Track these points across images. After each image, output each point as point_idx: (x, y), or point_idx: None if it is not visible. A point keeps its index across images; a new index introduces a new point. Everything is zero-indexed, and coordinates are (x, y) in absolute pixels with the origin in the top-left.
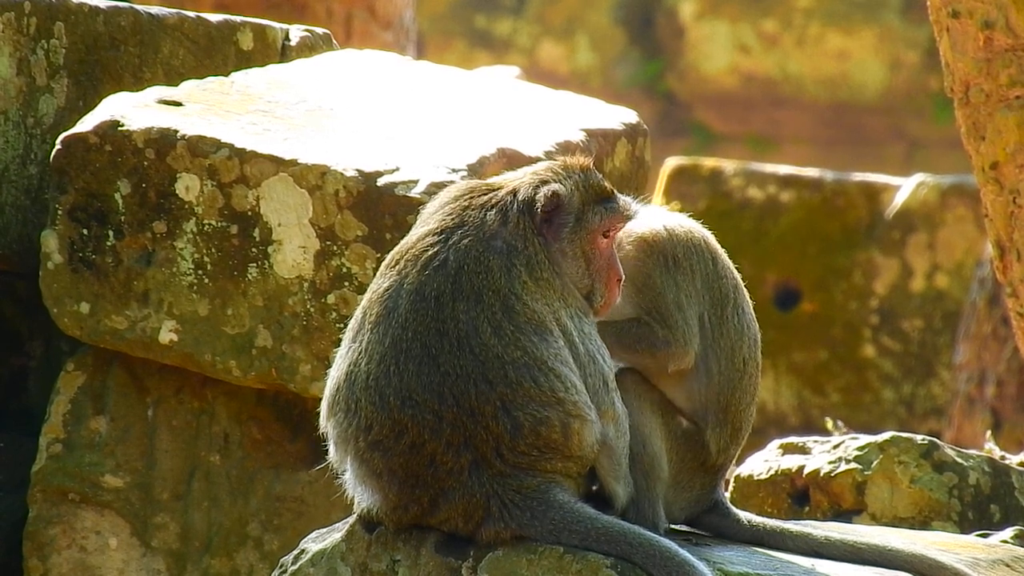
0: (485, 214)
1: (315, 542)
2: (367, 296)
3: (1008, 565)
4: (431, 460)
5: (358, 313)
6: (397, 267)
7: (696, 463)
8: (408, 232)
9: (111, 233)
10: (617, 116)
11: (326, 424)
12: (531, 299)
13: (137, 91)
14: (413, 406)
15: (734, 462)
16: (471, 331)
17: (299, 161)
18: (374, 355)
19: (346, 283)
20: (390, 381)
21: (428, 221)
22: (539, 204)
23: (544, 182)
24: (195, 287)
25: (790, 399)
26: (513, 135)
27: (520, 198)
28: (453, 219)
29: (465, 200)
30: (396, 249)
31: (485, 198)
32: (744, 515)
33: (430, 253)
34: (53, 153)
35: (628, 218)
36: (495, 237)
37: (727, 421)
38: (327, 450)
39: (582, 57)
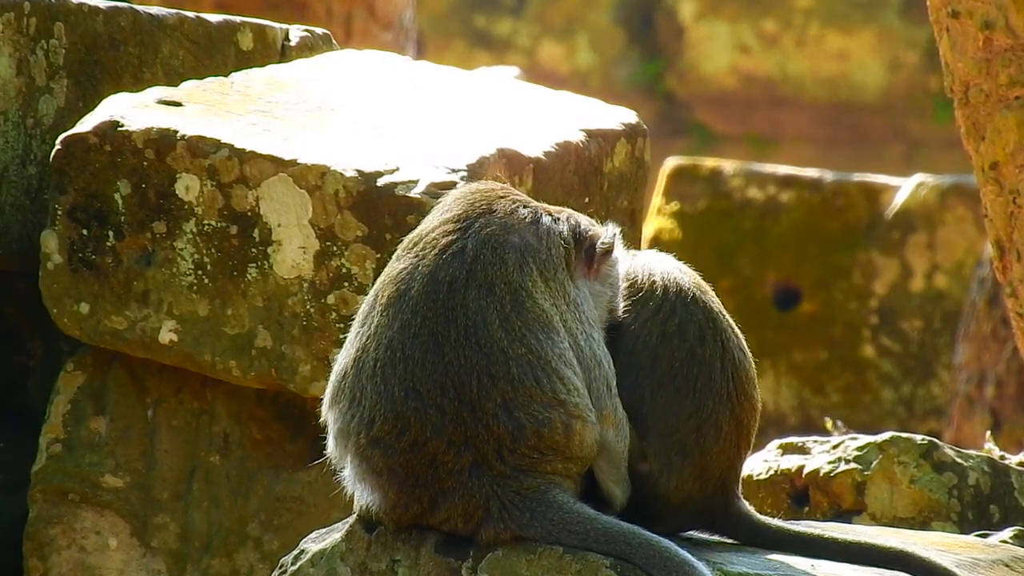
0: (518, 209)
1: (315, 542)
2: (381, 277)
3: (1008, 565)
4: (432, 459)
5: (370, 295)
6: (414, 250)
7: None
8: (409, 231)
9: (111, 233)
10: (617, 116)
11: (327, 413)
12: (541, 297)
13: (137, 91)
14: (416, 398)
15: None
16: (479, 322)
17: (299, 161)
18: (382, 339)
19: (346, 283)
20: (395, 370)
21: (451, 207)
22: (605, 241)
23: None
24: (195, 287)
25: (790, 399)
26: (513, 135)
27: (582, 225)
28: (478, 208)
29: (500, 192)
30: (415, 232)
31: (519, 200)
32: (750, 515)
33: (449, 239)
34: (53, 153)
35: None
36: (516, 232)
37: (650, 428)
38: (326, 445)
39: (582, 57)
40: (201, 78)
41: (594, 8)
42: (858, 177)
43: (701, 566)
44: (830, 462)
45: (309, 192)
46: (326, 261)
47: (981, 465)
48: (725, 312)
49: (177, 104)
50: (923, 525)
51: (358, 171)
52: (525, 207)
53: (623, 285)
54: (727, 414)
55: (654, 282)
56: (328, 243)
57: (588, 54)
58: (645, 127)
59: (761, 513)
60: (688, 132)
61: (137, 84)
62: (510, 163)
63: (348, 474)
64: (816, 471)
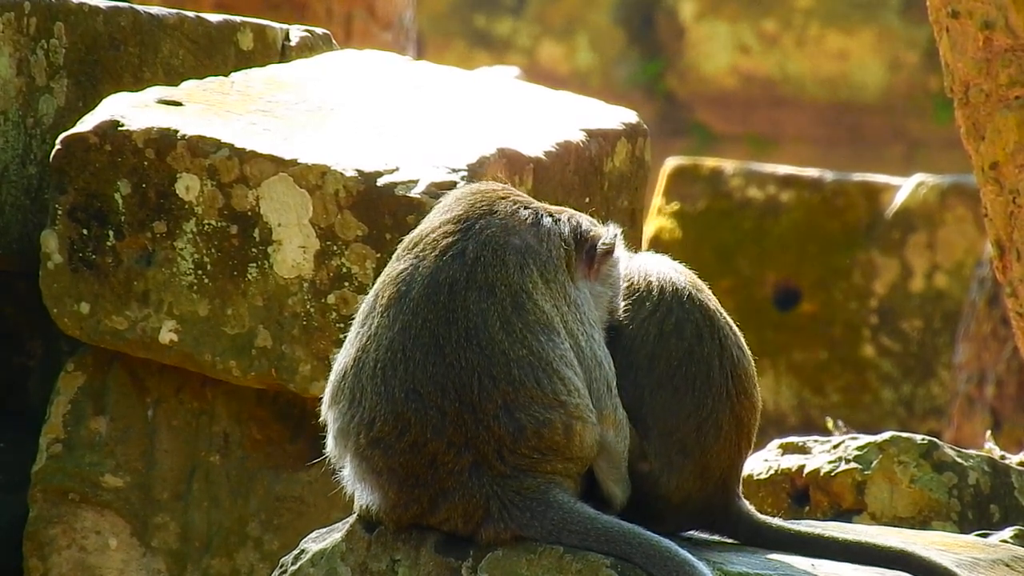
0: (519, 211)
1: (315, 542)
2: (381, 277)
3: (1008, 565)
4: (432, 460)
5: (370, 295)
6: (415, 250)
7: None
8: (409, 231)
9: (111, 233)
10: (617, 116)
11: (327, 412)
12: (541, 298)
13: (137, 91)
14: (417, 399)
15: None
16: (480, 324)
17: (299, 161)
18: (383, 340)
19: (346, 283)
20: (396, 371)
21: (452, 208)
22: (606, 242)
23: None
24: (195, 287)
25: (790, 399)
26: (513, 135)
27: (583, 225)
28: (479, 209)
29: (501, 193)
30: (416, 232)
31: (520, 200)
32: (750, 515)
33: (449, 240)
34: (53, 153)
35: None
36: (517, 233)
37: (650, 427)
38: (326, 445)
39: (582, 57)
40: (201, 78)
41: (594, 8)
42: (858, 177)
43: (701, 566)
44: (830, 462)
45: (309, 192)
46: (326, 261)
47: (981, 465)
48: (723, 310)
49: (177, 104)
50: (923, 525)
51: (358, 171)
52: (526, 208)
53: (621, 286)
54: (727, 412)
55: (650, 283)
56: (328, 243)
57: (588, 54)
58: (645, 127)
59: (761, 513)
60: (688, 132)
61: (137, 84)
62: (510, 163)
63: (348, 474)
64: (816, 471)
